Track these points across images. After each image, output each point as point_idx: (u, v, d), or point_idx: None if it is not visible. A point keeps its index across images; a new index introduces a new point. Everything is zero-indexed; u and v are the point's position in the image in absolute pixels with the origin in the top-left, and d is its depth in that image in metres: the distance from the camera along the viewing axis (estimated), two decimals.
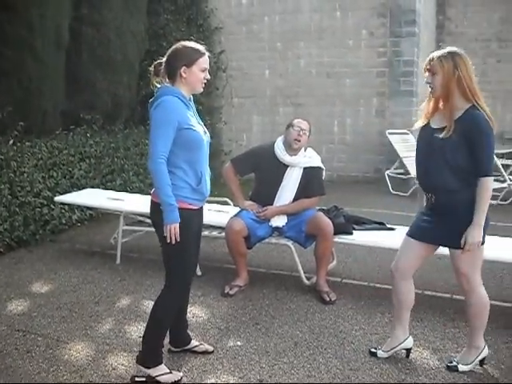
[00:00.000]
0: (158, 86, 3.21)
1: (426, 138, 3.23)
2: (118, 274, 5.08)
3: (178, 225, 3.03)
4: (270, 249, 5.57)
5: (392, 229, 4.87)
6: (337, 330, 3.92)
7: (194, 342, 3.59)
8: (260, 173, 4.75)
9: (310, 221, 4.55)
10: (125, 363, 3.44)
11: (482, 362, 3.40)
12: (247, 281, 4.69)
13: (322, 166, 4.76)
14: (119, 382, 3.23)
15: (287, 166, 4.64)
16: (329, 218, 4.58)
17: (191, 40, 3.29)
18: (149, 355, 3.25)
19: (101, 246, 5.96)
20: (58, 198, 5.92)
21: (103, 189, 6.92)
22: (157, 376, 3.20)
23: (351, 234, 4.66)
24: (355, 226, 4.75)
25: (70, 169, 6.83)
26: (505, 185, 7.88)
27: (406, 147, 9.08)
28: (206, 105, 9.91)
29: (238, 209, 4.85)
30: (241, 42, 10.39)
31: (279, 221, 4.66)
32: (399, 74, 9.58)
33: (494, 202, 7.92)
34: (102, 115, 7.76)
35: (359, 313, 4.19)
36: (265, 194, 4.69)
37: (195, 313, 4.20)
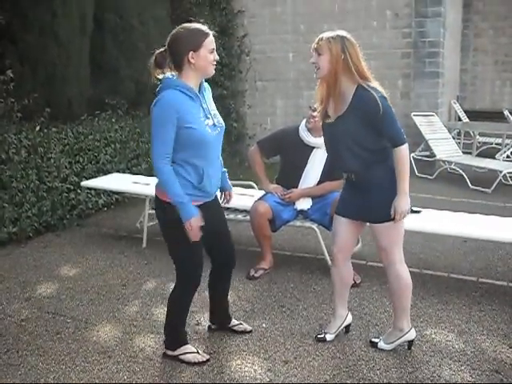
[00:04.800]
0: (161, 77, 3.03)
1: (329, 131, 3.26)
2: (144, 257, 5.14)
3: (196, 218, 2.96)
4: (294, 232, 5.58)
5: (418, 211, 4.83)
6: (361, 313, 3.93)
7: (234, 321, 3.65)
8: (285, 155, 4.76)
9: (335, 203, 4.52)
10: (152, 344, 3.50)
11: (410, 345, 3.41)
12: (272, 263, 4.71)
13: None
14: (147, 363, 3.29)
15: (312, 149, 4.63)
16: None
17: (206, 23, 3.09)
18: (170, 340, 3.32)
19: (127, 230, 6.03)
20: (85, 183, 5.99)
21: (129, 173, 6.99)
22: (180, 355, 3.27)
23: None
24: None
25: (96, 154, 6.90)
26: None
27: (431, 129, 8.97)
28: (230, 89, 9.91)
29: (262, 192, 4.87)
30: (264, 25, 10.32)
31: (304, 204, 4.66)
32: (424, 55, 9.44)
33: None
34: (126, 100, 7.81)
35: (384, 295, 4.19)
36: (290, 177, 4.69)
37: None
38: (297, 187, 4.66)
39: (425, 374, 3.15)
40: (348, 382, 3.08)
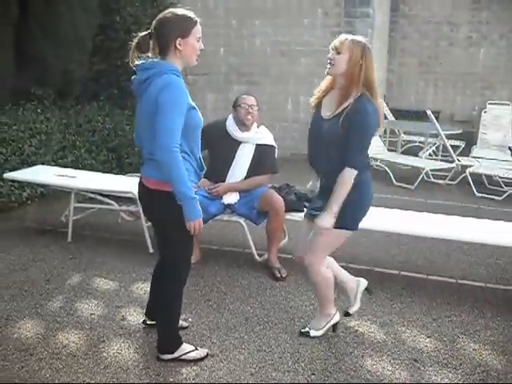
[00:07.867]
0: (137, 62, 2.90)
1: (316, 124, 3.28)
2: (69, 251, 5.02)
3: (201, 219, 2.87)
4: (222, 226, 5.58)
5: None
6: (287, 306, 3.99)
7: None
8: (213, 149, 4.75)
9: (261, 198, 4.59)
10: (75, 340, 3.43)
11: (334, 328, 3.58)
12: (199, 257, 4.71)
13: (274, 143, 4.79)
14: (70, 360, 3.23)
15: (239, 143, 4.66)
16: (280, 195, 4.63)
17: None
18: (169, 343, 3.24)
19: (52, 223, 5.87)
20: (8, 175, 5.78)
21: (54, 165, 6.80)
22: (182, 355, 3.22)
23: (302, 211, 4.71)
24: (306, 204, 4.81)
25: (20, 145, 6.68)
26: (453, 165, 8.07)
27: None
28: None
29: None
30: None
31: (231, 198, 4.67)
32: None
33: (442, 181, 8.16)
34: (53, 91, 7.60)
35: (309, 289, 4.26)
36: (217, 171, 4.69)
37: (147, 290, 4.19)
38: (224, 181, 4.67)
39: (348, 364, 3.25)
40: (273, 374, 3.13)
